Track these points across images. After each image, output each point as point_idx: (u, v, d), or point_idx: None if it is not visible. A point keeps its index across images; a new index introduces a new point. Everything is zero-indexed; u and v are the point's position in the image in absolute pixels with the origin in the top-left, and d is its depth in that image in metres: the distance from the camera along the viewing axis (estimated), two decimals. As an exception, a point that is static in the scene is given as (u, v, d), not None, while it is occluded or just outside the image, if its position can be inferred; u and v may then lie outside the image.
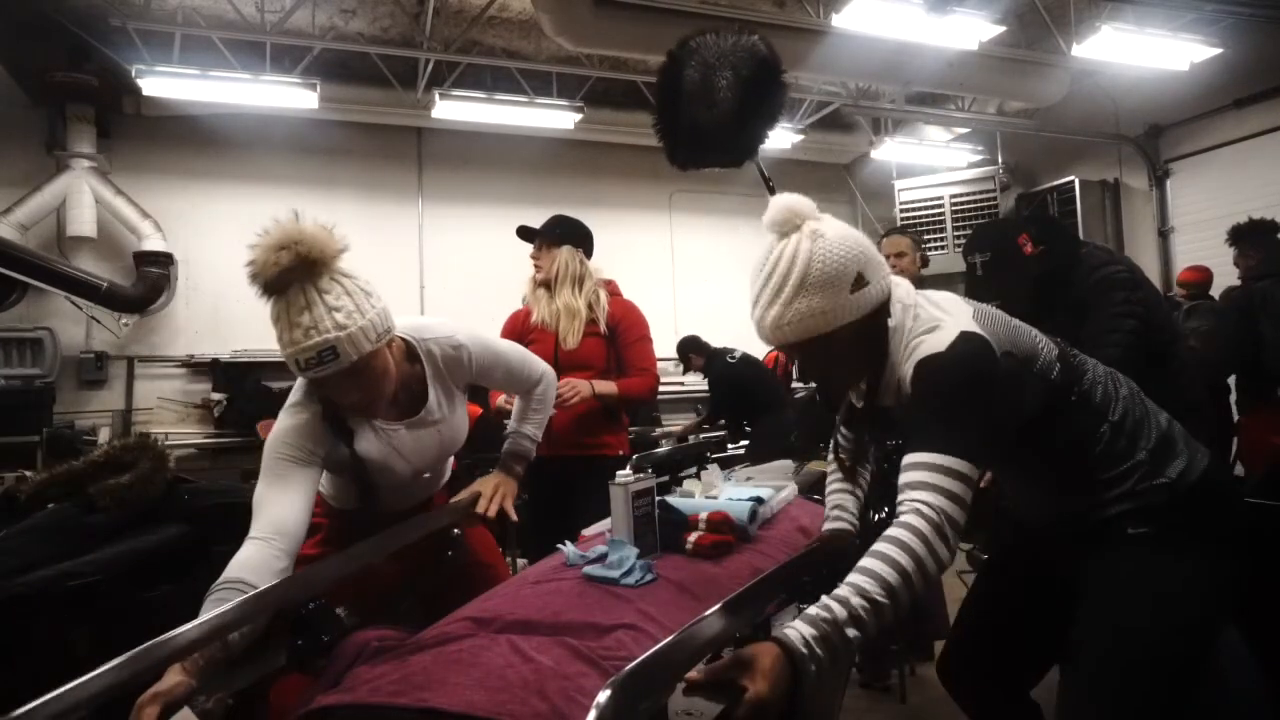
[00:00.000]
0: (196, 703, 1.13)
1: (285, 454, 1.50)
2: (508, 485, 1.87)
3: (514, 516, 1.82)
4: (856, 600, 1.03)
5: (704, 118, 1.57)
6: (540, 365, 1.98)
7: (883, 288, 1.29)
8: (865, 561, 1.08)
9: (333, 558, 1.46)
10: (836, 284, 1.23)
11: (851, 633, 1.01)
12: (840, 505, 1.62)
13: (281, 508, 1.43)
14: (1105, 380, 1.40)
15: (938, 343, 1.24)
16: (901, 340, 1.30)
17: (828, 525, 1.61)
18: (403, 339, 1.63)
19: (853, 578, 1.06)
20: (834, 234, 1.26)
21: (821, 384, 1.42)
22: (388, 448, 1.66)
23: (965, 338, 1.23)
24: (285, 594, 1.28)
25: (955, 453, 1.15)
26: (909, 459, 1.18)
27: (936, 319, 1.29)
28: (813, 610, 1.02)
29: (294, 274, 1.42)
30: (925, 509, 1.11)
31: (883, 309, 1.30)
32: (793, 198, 1.30)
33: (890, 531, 1.11)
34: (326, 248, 1.47)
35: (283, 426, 1.54)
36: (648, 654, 0.95)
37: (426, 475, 1.84)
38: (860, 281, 1.25)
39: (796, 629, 1.00)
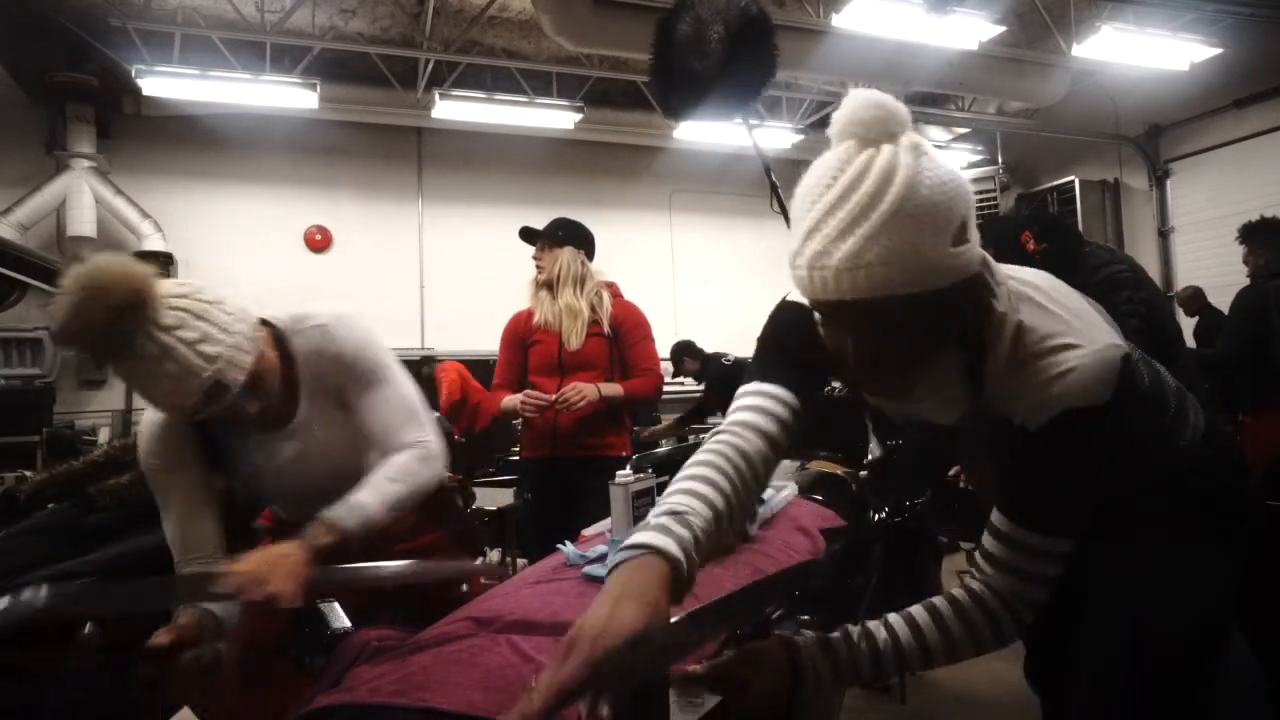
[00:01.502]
0: (203, 652, 1.14)
1: (158, 464, 1.36)
2: (289, 562, 1.20)
3: (281, 601, 1.17)
4: (888, 654, 0.99)
5: (696, 67, 1.56)
6: (426, 432, 1.45)
7: (976, 255, 0.90)
8: (923, 620, 1.00)
9: (344, 568, 1.44)
10: (941, 224, 0.83)
11: (867, 672, 0.99)
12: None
13: (192, 531, 1.34)
14: (1159, 372, 1.25)
15: (1092, 381, 0.91)
16: (1014, 342, 0.94)
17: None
18: (269, 324, 1.38)
19: (899, 627, 1.00)
20: (941, 159, 0.88)
21: (863, 376, 0.97)
22: (258, 462, 1.42)
23: (1124, 375, 0.94)
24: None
25: (1069, 535, 0.97)
26: (1006, 527, 0.98)
27: (1067, 325, 0.96)
28: (837, 639, 1.00)
29: (123, 327, 1.12)
30: (1015, 603, 0.99)
31: (980, 283, 0.92)
32: (886, 98, 0.89)
33: (965, 603, 1.00)
34: (139, 283, 1.15)
35: (144, 442, 1.35)
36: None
37: (342, 488, 1.37)
38: (961, 233, 0.85)
39: (813, 654, 0.98)
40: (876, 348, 0.89)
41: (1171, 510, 1.27)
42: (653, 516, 0.88)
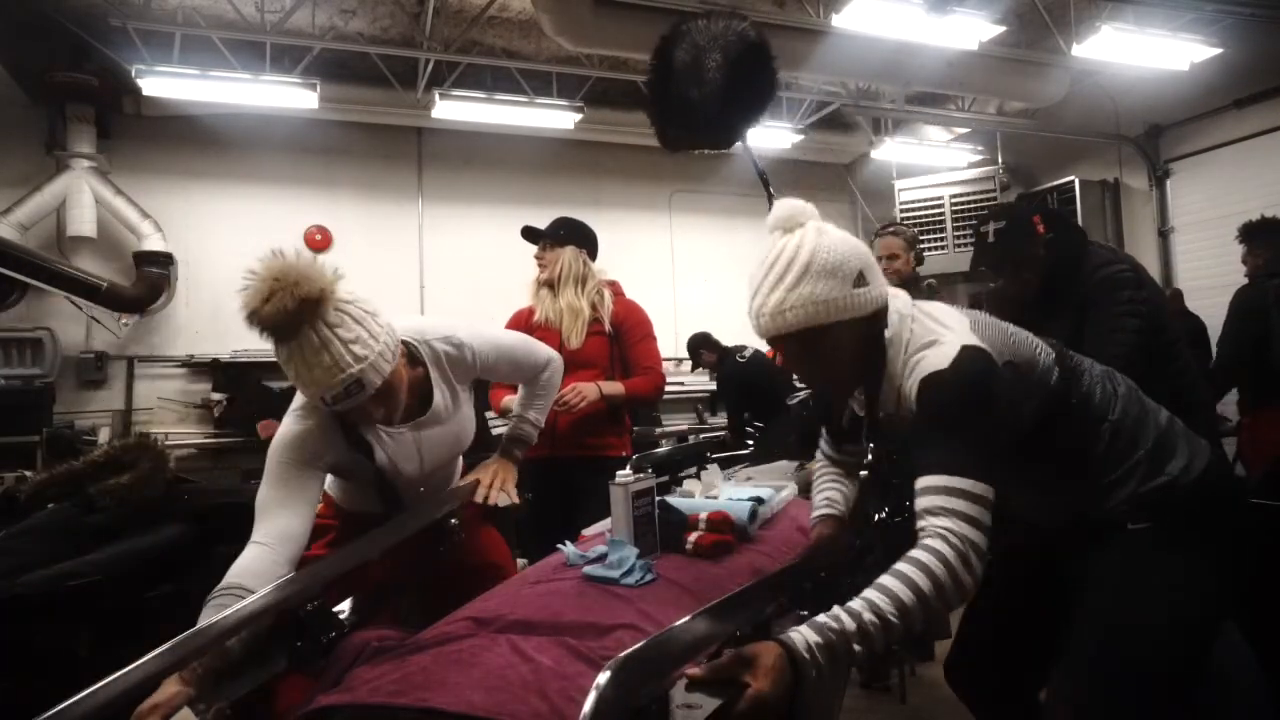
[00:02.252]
0: (196, 710, 1.13)
1: (290, 459, 1.50)
2: (507, 470, 1.86)
3: (515, 499, 1.82)
4: (868, 616, 1.03)
5: (693, 97, 1.57)
6: (545, 351, 1.96)
7: (881, 293, 1.29)
8: (884, 579, 1.08)
9: (330, 557, 1.46)
10: (840, 274, 1.22)
11: (858, 647, 1.02)
12: (829, 499, 1.63)
13: (285, 514, 1.44)
14: (1103, 380, 1.40)
15: (940, 359, 1.22)
16: (900, 353, 1.28)
17: (817, 513, 1.62)
18: (403, 342, 1.62)
19: (869, 593, 1.06)
20: (837, 232, 1.28)
21: (814, 388, 1.45)
22: (399, 451, 1.68)
23: (967, 353, 1.22)
24: (283, 597, 1.27)
25: (971, 474, 1.14)
26: (924, 482, 1.16)
27: (935, 332, 1.28)
28: (822, 618, 1.03)
29: (301, 317, 1.37)
30: (949, 535, 1.10)
31: (880, 315, 1.29)
32: (797, 201, 1.31)
33: (913, 553, 1.11)
34: (324, 283, 1.41)
35: (288, 432, 1.53)
36: (647, 641, 0.96)
37: (439, 474, 1.84)
38: (862, 279, 1.25)
39: (802, 633, 1.01)
40: (807, 367, 1.34)
41: (1154, 518, 1.30)
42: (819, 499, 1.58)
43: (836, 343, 1.26)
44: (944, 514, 1.12)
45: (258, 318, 1.35)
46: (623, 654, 0.90)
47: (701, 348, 5.84)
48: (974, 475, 1.14)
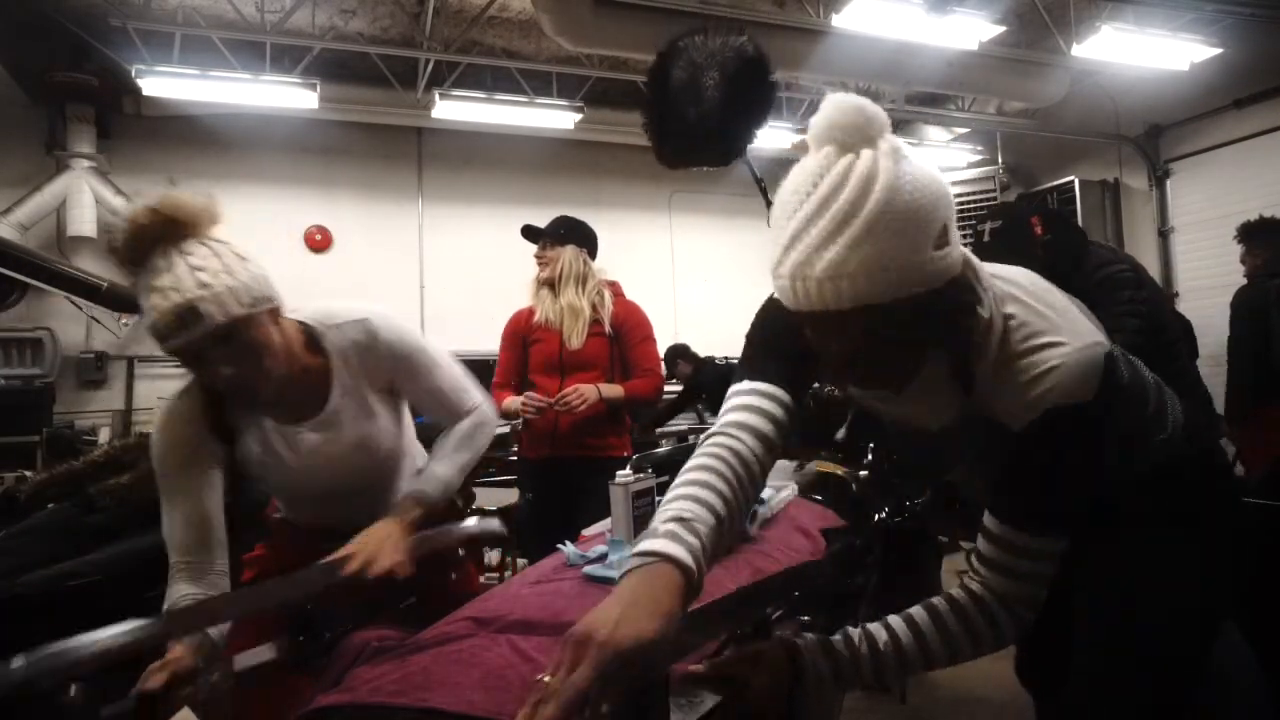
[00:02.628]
0: (200, 685, 1.14)
1: (172, 459, 1.37)
2: (386, 538, 1.35)
3: (394, 572, 1.32)
4: (889, 655, 0.98)
5: (690, 116, 1.53)
6: (475, 398, 1.59)
7: (959, 256, 0.89)
8: (924, 622, 1.00)
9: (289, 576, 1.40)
10: (922, 230, 0.83)
11: (868, 676, 0.99)
12: (678, 526, 0.95)
13: (194, 526, 1.34)
14: (1139, 368, 1.26)
15: (1077, 379, 0.91)
16: (989, 338, 0.94)
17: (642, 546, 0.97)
18: (301, 323, 1.43)
19: (899, 629, 0.99)
20: (919, 162, 0.86)
21: (859, 378, 0.97)
22: (279, 452, 1.43)
23: (1109, 373, 0.93)
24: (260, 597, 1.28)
25: (1059, 533, 0.97)
26: (998, 529, 0.98)
27: (1050, 324, 0.95)
28: (838, 641, 1.00)
29: (152, 237, 1.22)
30: (1018, 607, 0.98)
31: (964, 285, 0.92)
32: (865, 102, 0.88)
33: (966, 605, 0.99)
34: (193, 210, 1.26)
35: (160, 429, 1.38)
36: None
37: (358, 499, 1.50)
38: (944, 236, 0.85)
39: (814, 654, 0.98)
40: (862, 354, 0.90)
41: (1154, 508, 1.27)
42: (660, 523, 0.88)
43: (903, 322, 0.86)
44: (1017, 579, 0.97)
45: (110, 237, 1.24)
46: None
47: (678, 358, 5.83)
48: (1058, 534, 0.97)
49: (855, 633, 1.00)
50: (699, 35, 1.58)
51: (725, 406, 1.04)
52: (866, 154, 0.84)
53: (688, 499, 0.91)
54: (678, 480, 0.96)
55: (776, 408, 1.02)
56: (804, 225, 0.84)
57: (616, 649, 0.73)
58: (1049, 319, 0.95)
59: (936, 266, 0.85)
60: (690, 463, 0.97)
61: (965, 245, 0.93)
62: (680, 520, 0.88)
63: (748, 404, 1.02)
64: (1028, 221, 2.43)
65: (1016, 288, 0.99)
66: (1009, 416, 0.95)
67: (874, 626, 1.01)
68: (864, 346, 0.89)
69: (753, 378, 1.04)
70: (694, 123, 1.53)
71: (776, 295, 0.93)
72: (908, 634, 0.99)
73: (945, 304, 0.88)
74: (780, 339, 1.02)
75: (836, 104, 0.88)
